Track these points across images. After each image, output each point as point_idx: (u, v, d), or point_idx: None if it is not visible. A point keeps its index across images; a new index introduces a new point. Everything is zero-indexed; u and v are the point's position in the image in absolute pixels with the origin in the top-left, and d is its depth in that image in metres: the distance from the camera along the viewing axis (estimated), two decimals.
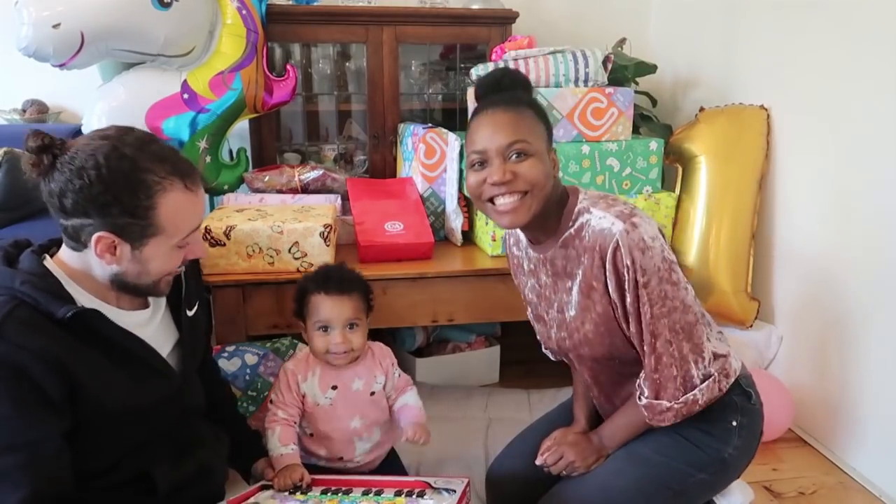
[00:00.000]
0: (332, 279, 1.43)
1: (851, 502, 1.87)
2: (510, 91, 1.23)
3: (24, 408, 0.98)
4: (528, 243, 1.31)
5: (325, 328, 1.40)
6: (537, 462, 1.32)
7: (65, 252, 1.11)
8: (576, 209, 1.21)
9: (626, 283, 1.14)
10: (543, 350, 1.47)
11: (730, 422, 1.26)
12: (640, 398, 1.22)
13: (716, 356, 1.24)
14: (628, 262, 1.13)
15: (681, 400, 1.18)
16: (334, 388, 1.44)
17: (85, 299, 1.09)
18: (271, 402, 1.45)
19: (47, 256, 1.11)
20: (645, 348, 1.18)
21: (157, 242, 1.09)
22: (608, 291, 1.18)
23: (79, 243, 1.07)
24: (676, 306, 1.16)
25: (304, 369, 1.44)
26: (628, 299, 1.15)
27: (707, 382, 1.19)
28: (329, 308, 1.39)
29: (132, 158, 1.03)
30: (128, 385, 1.09)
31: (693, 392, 1.18)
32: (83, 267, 1.10)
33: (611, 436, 1.31)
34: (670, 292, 1.15)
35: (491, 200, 1.19)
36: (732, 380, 1.26)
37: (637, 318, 1.16)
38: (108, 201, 1.02)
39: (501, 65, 2.11)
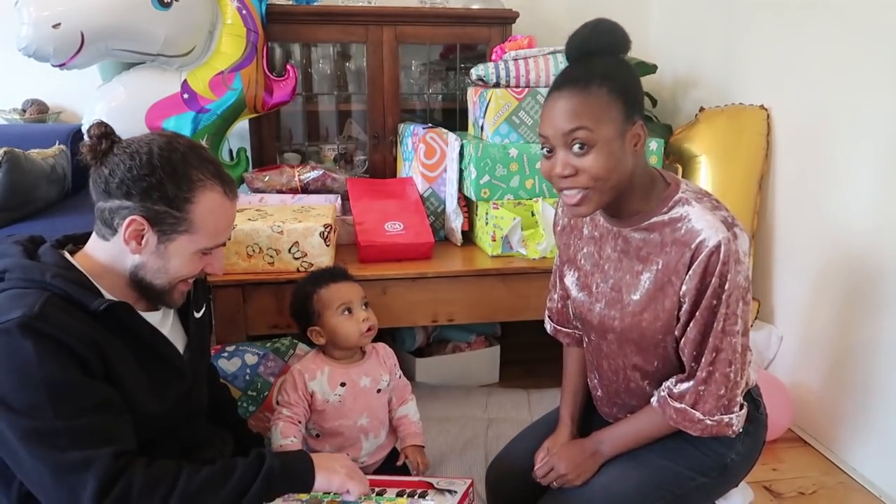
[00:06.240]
0: (335, 271, 1.56)
1: (851, 502, 1.87)
2: (585, 65, 1.10)
3: (88, 373, 1.00)
4: (601, 211, 1.24)
5: (349, 309, 1.47)
6: (534, 477, 1.30)
7: (91, 244, 1.12)
8: (675, 197, 1.15)
9: (709, 289, 1.10)
10: (549, 324, 1.45)
11: None
12: (671, 401, 1.18)
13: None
14: (720, 271, 1.08)
15: (715, 418, 1.15)
16: (343, 385, 1.48)
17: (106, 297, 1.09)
18: (277, 402, 1.49)
19: (65, 252, 1.12)
20: (702, 360, 1.14)
21: (185, 241, 1.10)
22: (681, 290, 1.13)
23: (110, 228, 1.08)
24: (742, 329, 1.13)
25: (312, 369, 1.48)
26: (702, 305, 1.11)
27: (744, 411, 1.18)
28: (346, 290, 1.50)
29: (184, 153, 1.09)
30: (149, 386, 1.10)
31: (730, 416, 1.16)
32: (108, 259, 1.10)
33: (613, 443, 1.27)
34: (742, 313, 1.12)
35: (560, 189, 1.15)
36: (746, 390, 1.24)
37: (703, 328, 1.12)
38: (152, 184, 1.05)
39: (501, 65, 2.08)
